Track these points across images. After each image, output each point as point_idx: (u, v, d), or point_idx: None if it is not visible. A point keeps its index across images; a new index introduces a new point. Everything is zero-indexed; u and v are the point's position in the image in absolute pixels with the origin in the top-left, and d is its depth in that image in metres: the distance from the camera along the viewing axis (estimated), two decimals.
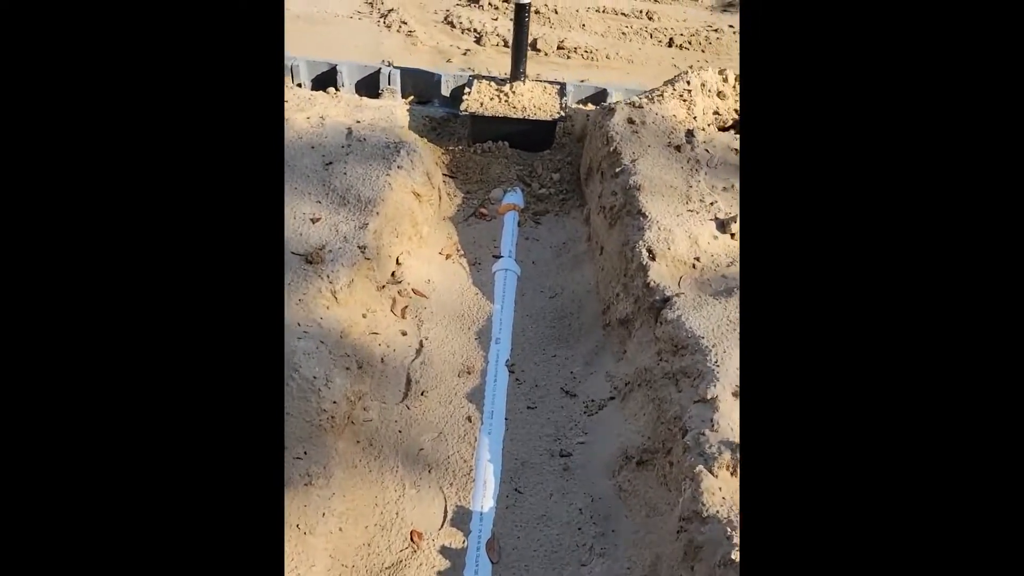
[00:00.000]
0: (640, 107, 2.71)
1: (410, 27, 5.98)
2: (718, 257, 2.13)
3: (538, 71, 5.60)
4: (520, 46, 3.10)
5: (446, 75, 3.44)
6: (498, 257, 2.62)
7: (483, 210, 2.87)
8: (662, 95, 2.80)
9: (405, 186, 2.56)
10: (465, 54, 5.72)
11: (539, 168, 3.05)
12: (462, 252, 2.66)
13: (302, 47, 5.68)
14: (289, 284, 2.05)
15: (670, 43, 6.13)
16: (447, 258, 2.61)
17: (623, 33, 6.22)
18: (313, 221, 2.33)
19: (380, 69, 3.44)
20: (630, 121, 2.66)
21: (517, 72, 3.17)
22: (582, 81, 3.81)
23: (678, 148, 2.57)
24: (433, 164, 2.74)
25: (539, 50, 5.84)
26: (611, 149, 2.59)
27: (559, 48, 5.87)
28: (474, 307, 2.42)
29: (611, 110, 2.73)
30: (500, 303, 2.40)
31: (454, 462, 1.93)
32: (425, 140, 3.13)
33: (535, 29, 6.15)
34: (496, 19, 6.29)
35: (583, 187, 2.91)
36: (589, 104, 3.49)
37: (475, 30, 6.10)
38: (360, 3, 6.38)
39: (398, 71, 3.45)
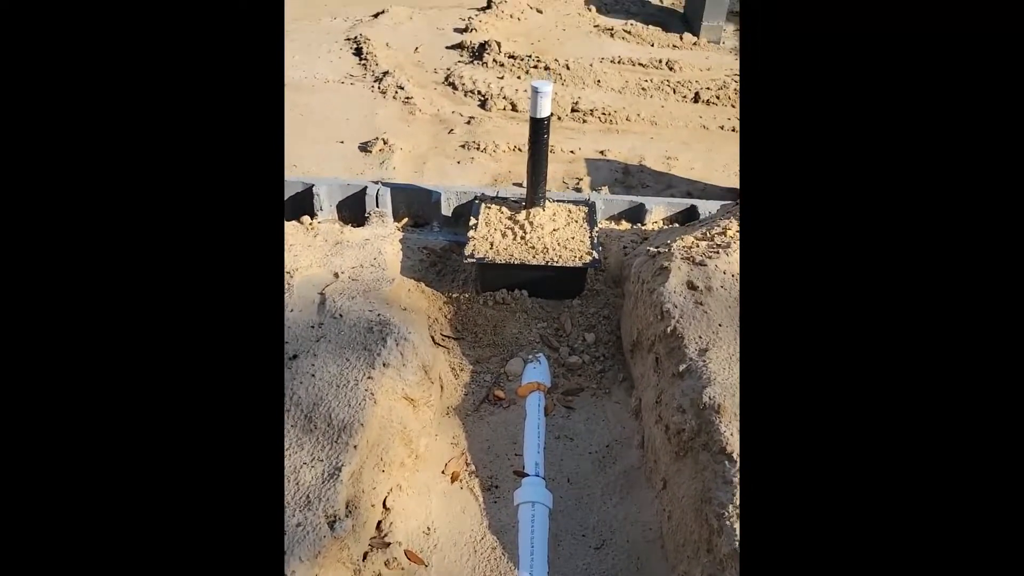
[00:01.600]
0: (703, 264, 2.05)
1: (407, 92, 5.36)
2: None
3: (552, 140, 4.96)
4: (538, 166, 2.45)
5: (446, 192, 2.80)
6: (521, 474, 1.96)
7: (498, 392, 2.22)
8: (726, 241, 2.14)
9: (394, 391, 1.90)
10: (469, 122, 5.09)
11: (567, 324, 2.39)
12: (473, 468, 2.00)
13: (286, 123, 5.06)
14: None
15: (696, 98, 5.48)
16: (453, 481, 1.95)
17: (643, 88, 5.57)
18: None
19: (367, 187, 2.80)
20: (691, 287, 2.00)
21: (535, 196, 2.52)
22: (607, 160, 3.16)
23: None
24: (431, 349, 2.09)
25: (552, 114, 5.21)
26: (668, 329, 1.93)
27: (573, 111, 5.22)
28: (493, 569, 1.76)
29: (663, 269, 2.07)
30: (528, 567, 1.73)
31: None
32: (422, 287, 2.49)
33: None
34: (502, 77, 5.66)
35: (627, 357, 2.25)
36: (624, 222, 2.84)
37: (479, 92, 5.47)
38: (352, 66, 5.78)
39: (388, 190, 2.81)
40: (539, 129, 2.38)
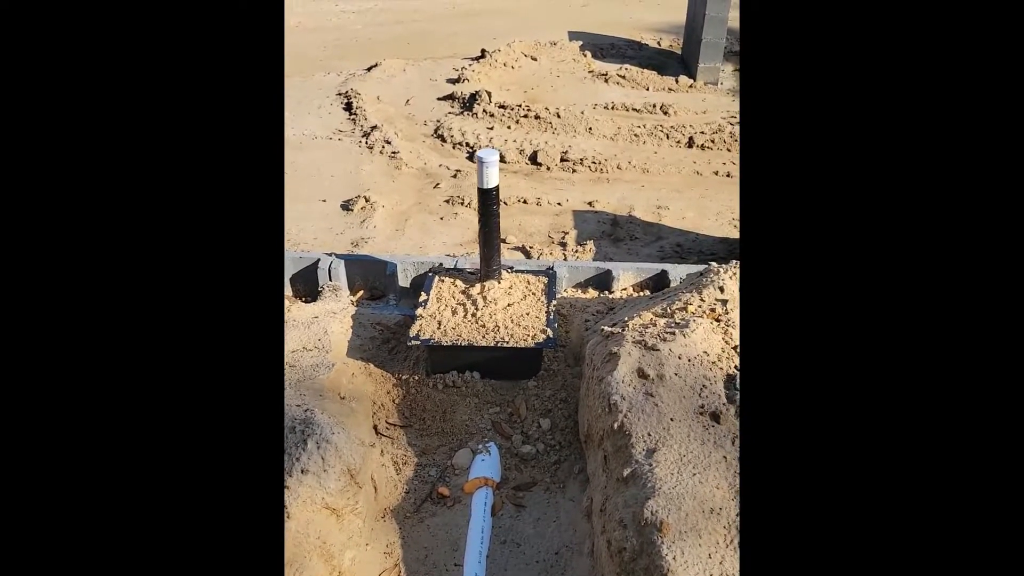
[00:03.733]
0: (655, 349, 1.86)
1: (394, 147, 5.29)
2: None
3: (539, 192, 4.84)
4: (489, 238, 2.30)
5: (403, 263, 2.65)
6: None
7: (442, 489, 2.03)
8: (685, 319, 1.95)
9: (312, 502, 1.73)
10: (455, 176, 4.98)
11: (522, 409, 2.20)
12: None
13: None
14: None
15: (690, 143, 5.32)
16: None
17: (635, 135, 5.43)
18: None
19: (319, 260, 2.67)
20: (641, 375, 1.81)
21: (489, 269, 2.36)
22: (575, 256, 3.00)
23: (715, 417, 1.70)
24: (359, 449, 1.92)
25: (540, 164, 5.07)
26: (615, 425, 1.74)
27: (563, 160, 5.10)
28: None
29: (612, 355, 1.89)
30: None
31: None
32: (369, 368, 2.33)
33: (536, 138, 5.42)
34: (491, 128, 5.57)
35: (583, 446, 2.06)
36: (590, 290, 2.66)
37: (468, 144, 5.37)
38: (342, 121, 5.74)
39: (341, 262, 2.67)
40: (488, 200, 2.23)
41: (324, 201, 4.65)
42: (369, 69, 6.58)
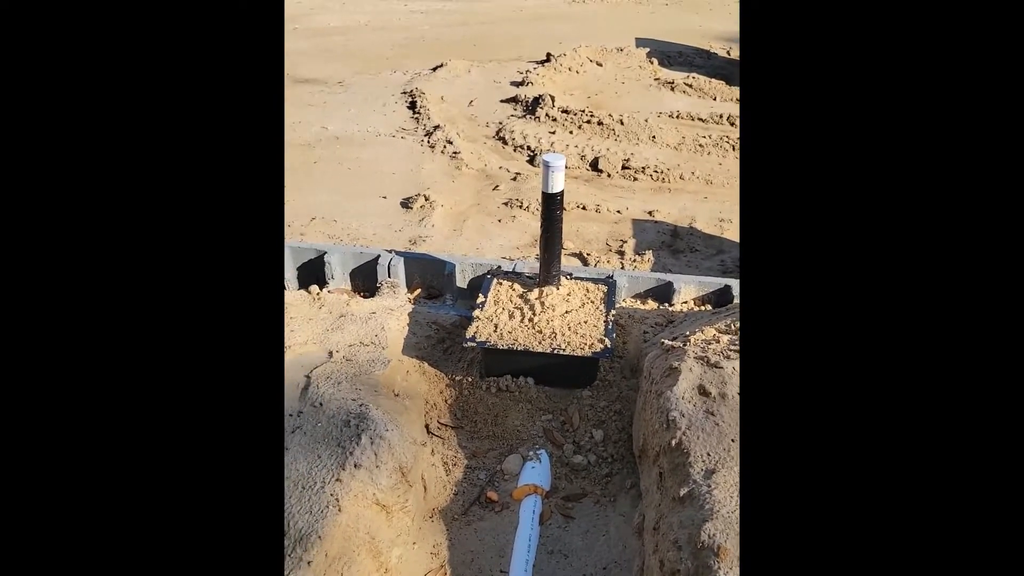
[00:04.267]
0: (718, 366, 1.81)
1: (455, 147, 5.32)
2: None
3: (599, 199, 4.79)
4: (550, 244, 2.28)
5: (461, 263, 2.65)
6: None
7: (491, 494, 2.01)
8: None
9: (363, 497, 1.73)
10: (515, 178, 4.98)
11: (575, 418, 2.17)
12: None
13: (331, 177, 5.11)
14: None
15: None
16: None
17: (700, 145, 5.33)
18: None
19: (379, 256, 2.69)
20: (702, 392, 1.76)
21: (548, 275, 2.34)
22: (633, 266, 2.95)
23: None
24: (412, 447, 1.92)
25: (601, 171, 5.03)
26: (673, 442, 1.69)
27: (624, 167, 5.04)
28: None
29: (673, 370, 1.84)
30: None
31: None
32: (424, 367, 2.33)
33: (598, 144, 5.37)
34: (554, 132, 5.55)
35: (637, 461, 2.01)
36: (650, 301, 2.61)
37: (529, 147, 5.36)
38: (405, 119, 5.81)
39: (401, 259, 2.69)
40: (551, 204, 2.21)
41: (384, 198, 4.71)
42: (434, 69, 6.64)
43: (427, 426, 2.18)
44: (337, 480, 1.73)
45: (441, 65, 6.70)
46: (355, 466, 1.76)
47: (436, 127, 5.55)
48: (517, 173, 4.98)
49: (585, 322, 2.26)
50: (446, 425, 2.20)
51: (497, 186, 4.84)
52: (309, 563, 1.56)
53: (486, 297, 2.38)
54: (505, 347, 2.17)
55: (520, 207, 4.53)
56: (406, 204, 4.60)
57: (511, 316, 2.30)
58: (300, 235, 4.28)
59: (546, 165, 2.16)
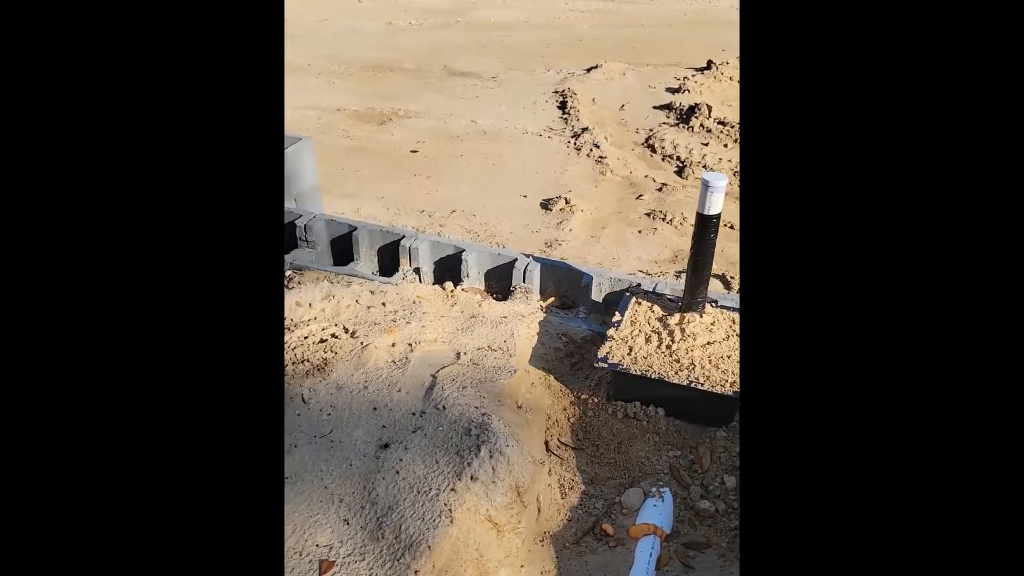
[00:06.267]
0: None
1: (602, 151, 5.20)
2: None
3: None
4: (700, 268, 2.12)
5: (599, 276, 2.55)
6: None
7: (607, 526, 1.90)
8: None
9: (476, 512, 1.68)
10: (661, 189, 4.78)
11: (706, 459, 2.01)
12: None
13: (475, 171, 5.15)
14: None
15: None
16: None
17: None
18: (321, 573, 1.53)
19: (516, 260, 2.64)
20: None
21: (692, 300, 2.18)
22: None
23: None
24: (530, 466, 1.84)
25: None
26: None
27: None
28: None
29: None
30: None
31: None
32: (549, 380, 2.25)
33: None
34: (707, 143, 5.29)
35: None
36: None
37: (679, 158, 5.14)
38: (554, 119, 5.75)
39: (538, 265, 2.62)
40: (706, 227, 2.05)
41: (525, 197, 4.67)
42: (589, 70, 6.54)
43: (547, 443, 2.10)
44: (452, 490, 1.69)
45: (596, 66, 6.59)
46: (471, 478, 1.71)
47: (584, 129, 5.45)
48: (663, 184, 4.79)
49: (728, 356, 2.08)
50: (566, 445, 2.11)
51: (641, 195, 4.68)
52: (416, 572, 1.53)
53: (623, 316, 2.26)
54: (638, 373, 2.04)
55: (663, 220, 4.34)
56: (546, 205, 4.55)
57: (647, 340, 2.16)
58: (440, 226, 4.33)
59: (705, 184, 2.00)
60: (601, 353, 2.12)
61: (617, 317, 2.26)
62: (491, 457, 1.75)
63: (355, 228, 2.82)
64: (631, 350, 2.13)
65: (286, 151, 3.44)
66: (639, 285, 2.45)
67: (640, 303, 2.31)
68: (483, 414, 1.89)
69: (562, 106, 5.91)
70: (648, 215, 4.44)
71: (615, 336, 2.18)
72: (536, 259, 2.65)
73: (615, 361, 2.09)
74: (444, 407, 1.92)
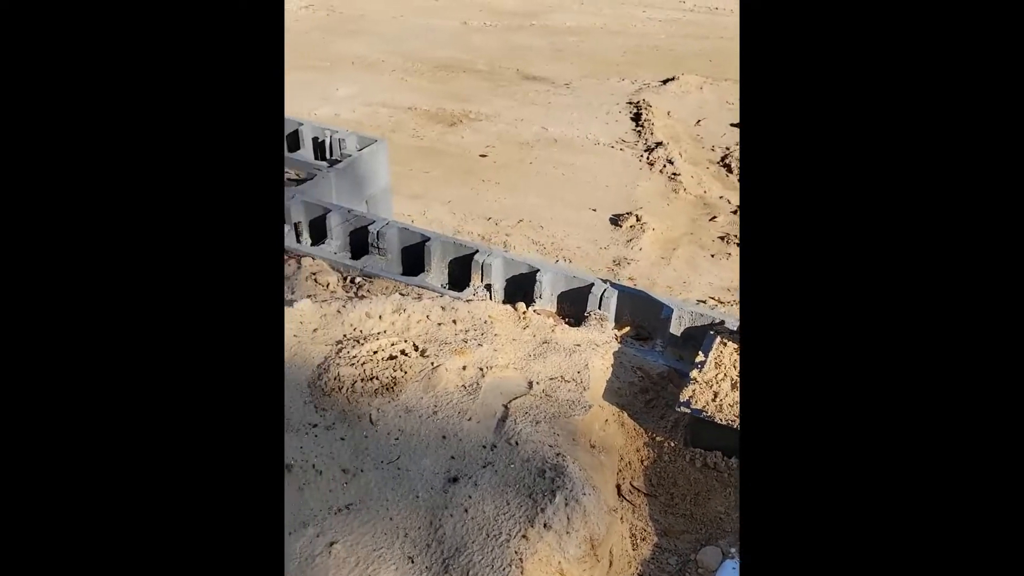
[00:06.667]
0: None
1: (676, 168, 5.04)
2: None
3: None
4: None
5: (680, 309, 2.42)
6: None
7: None
8: None
9: (548, 563, 1.58)
10: (736, 212, 4.62)
11: None
12: None
13: (544, 180, 5.04)
14: None
15: None
16: None
17: None
18: None
19: (593, 285, 2.53)
20: None
21: None
22: None
23: None
24: (606, 517, 1.73)
25: None
26: None
27: None
28: None
29: None
30: None
31: None
32: (623, 418, 2.14)
33: None
34: None
35: None
36: None
37: None
38: (627, 131, 5.61)
39: (615, 292, 2.51)
40: None
41: (594, 211, 4.56)
42: (665, 82, 6.37)
43: (618, 486, 1.99)
44: (523, 537, 1.59)
45: (672, 78, 6.42)
46: (544, 526, 1.61)
47: (658, 143, 5.30)
48: (739, 206, 4.60)
49: None
50: (639, 490, 1.99)
51: (715, 217, 4.51)
52: None
53: (707, 357, 2.13)
54: (724, 422, 1.91)
55: (738, 244, 4.16)
56: (615, 221, 4.42)
57: (734, 386, 2.03)
58: (506, 235, 4.25)
59: None
60: (683, 396, 2.00)
61: (700, 357, 2.13)
62: (566, 505, 1.65)
63: (428, 239, 2.75)
64: (716, 395, 2.00)
65: (361, 152, 3.40)
66: (723, 323, 2.31)
67: (726, 344, 2.18)
68: (557, 454, 1.79)
69: (635, 118, 5.76)
70: (722, 238, 4.28)
71: (698, 379, 2.05)
72: (614, 285, 2.54)
73: (699, 407, 1.96)
74: (517, 442, 1.83)
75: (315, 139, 3.60)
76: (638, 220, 4.36)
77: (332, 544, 1.58)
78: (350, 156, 3.35)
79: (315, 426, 1.90)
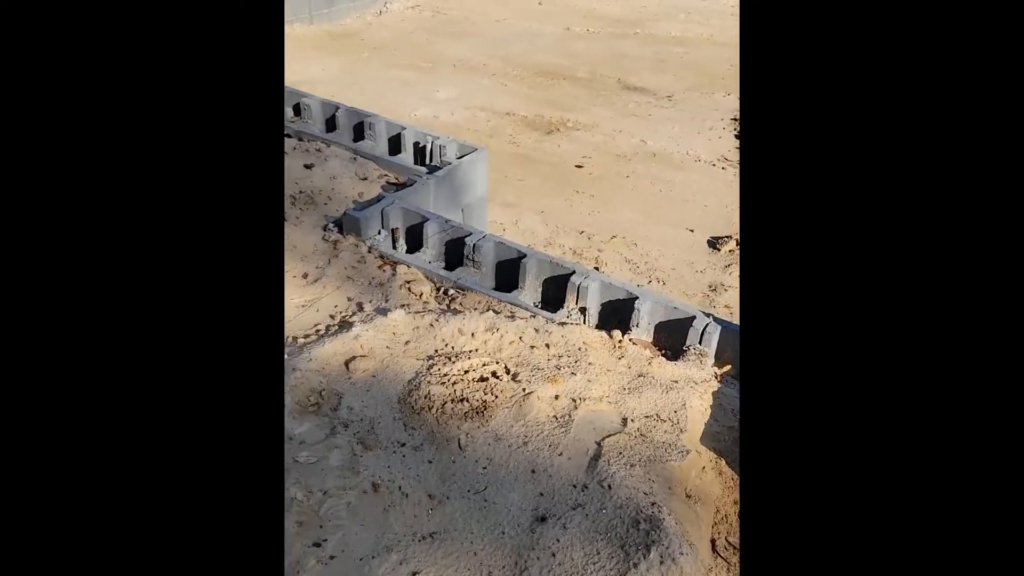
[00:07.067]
0: None
1: None
2: None
3: None
4: None
5: None
6: None
7: None
8: None
9: None
10: None
11: None
12: None
13: (640, 195, 4.90)
14: None
15: None
16: None
17: None
18: None
19: (695, 318, 2.40)
20: None
21: None
22: None
23: None
24: None
25: None
26: None
27: None
28: None
29: None
30: None
31: None
32: (721, 465, 2.01)
33: None
34: None
35: None
36: None
37: None
38: (730, 149, 5.40)
39: (718, 328, 2.37)
40: None
41: (691, 231, 4.40)
42: None
43: (713, 541, 1.86)
44: None
45: None
46: None
47: None
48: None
49: None
50: (735, 548, 1.86)
51: None
52: None
53: None
54: None
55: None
56: (714, 244, 4.25)
57: None
58: (598, 251, 4.15)
59: None
60: None
61: None
62: (661, 563, 1.55)
63: (524, 256, 2.69)
64: None
65: (462, 160, 3.38)
66: None
67: None
68: (653, 504, 1.69)
69: (739, 135, 5.53)
70: None
71: None
72: (716, 320, 2.40)
73: None
74: (610, 485, 1.74)
75: (416, 144, 3.61)
76: (738, 244, 4.16)
77: (415, 574, 1.54)
78: (450, 163, 3.33)
79: (403, 445, 1.87)
